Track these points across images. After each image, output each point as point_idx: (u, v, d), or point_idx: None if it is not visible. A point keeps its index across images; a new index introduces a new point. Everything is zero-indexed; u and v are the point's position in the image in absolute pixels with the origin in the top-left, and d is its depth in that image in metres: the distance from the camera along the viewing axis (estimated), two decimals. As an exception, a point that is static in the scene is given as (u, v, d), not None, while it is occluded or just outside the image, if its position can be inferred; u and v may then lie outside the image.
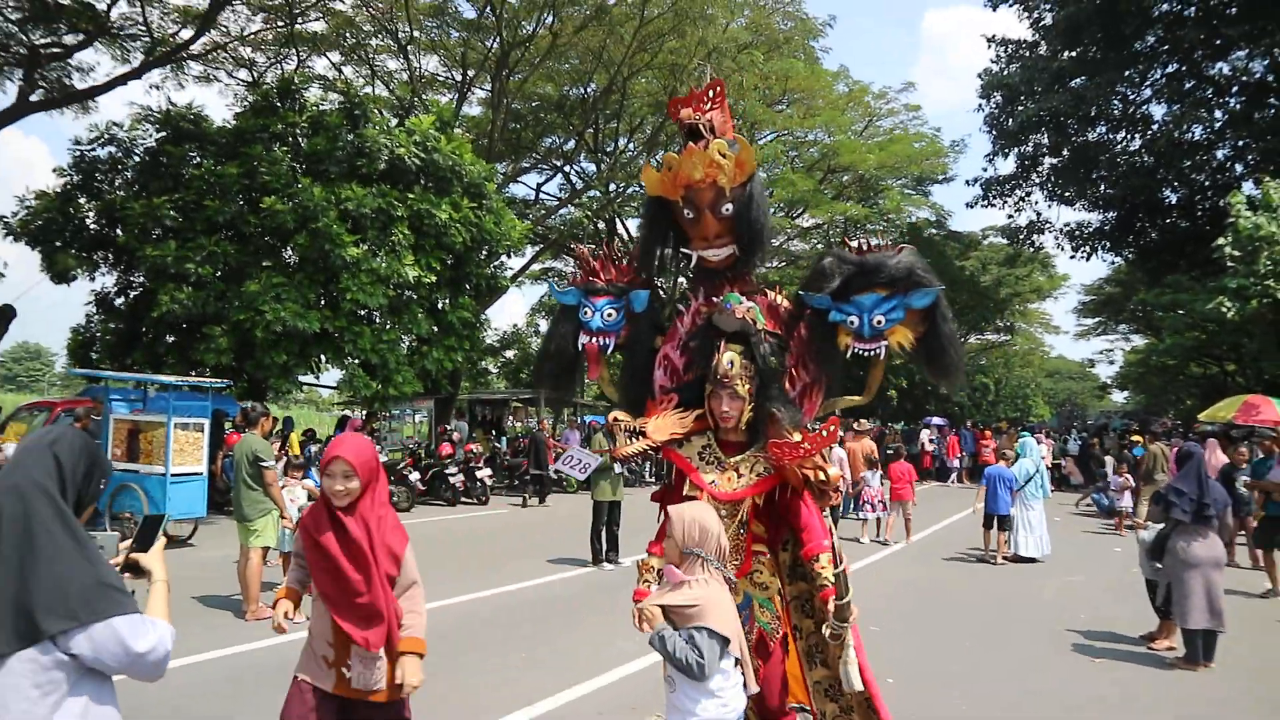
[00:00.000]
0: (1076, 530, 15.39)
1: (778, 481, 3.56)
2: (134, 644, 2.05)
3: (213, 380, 13.48)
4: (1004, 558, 11.57)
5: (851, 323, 3.59)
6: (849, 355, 3.67)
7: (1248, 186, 22.09)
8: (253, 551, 7.37)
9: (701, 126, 3.75)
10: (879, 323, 3.55)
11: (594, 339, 4.00)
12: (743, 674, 3.14)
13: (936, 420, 30.68)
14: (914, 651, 6.93)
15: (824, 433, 3.39)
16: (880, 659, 6.22)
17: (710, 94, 3.88)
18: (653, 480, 21.40)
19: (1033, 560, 11.55)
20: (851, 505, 15.04)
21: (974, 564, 11.40)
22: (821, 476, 3.39)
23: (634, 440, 3.60)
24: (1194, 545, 6.58)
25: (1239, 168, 30.28)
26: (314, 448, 16.73)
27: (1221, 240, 18.43)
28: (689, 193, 3.74)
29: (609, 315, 3.99)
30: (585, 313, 4.03)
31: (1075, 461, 25.64)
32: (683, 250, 3.97)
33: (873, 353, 3.59)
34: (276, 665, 6.23)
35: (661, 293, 4.28)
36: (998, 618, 8.34)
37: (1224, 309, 18.30)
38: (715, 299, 3.82)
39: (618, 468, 10.62)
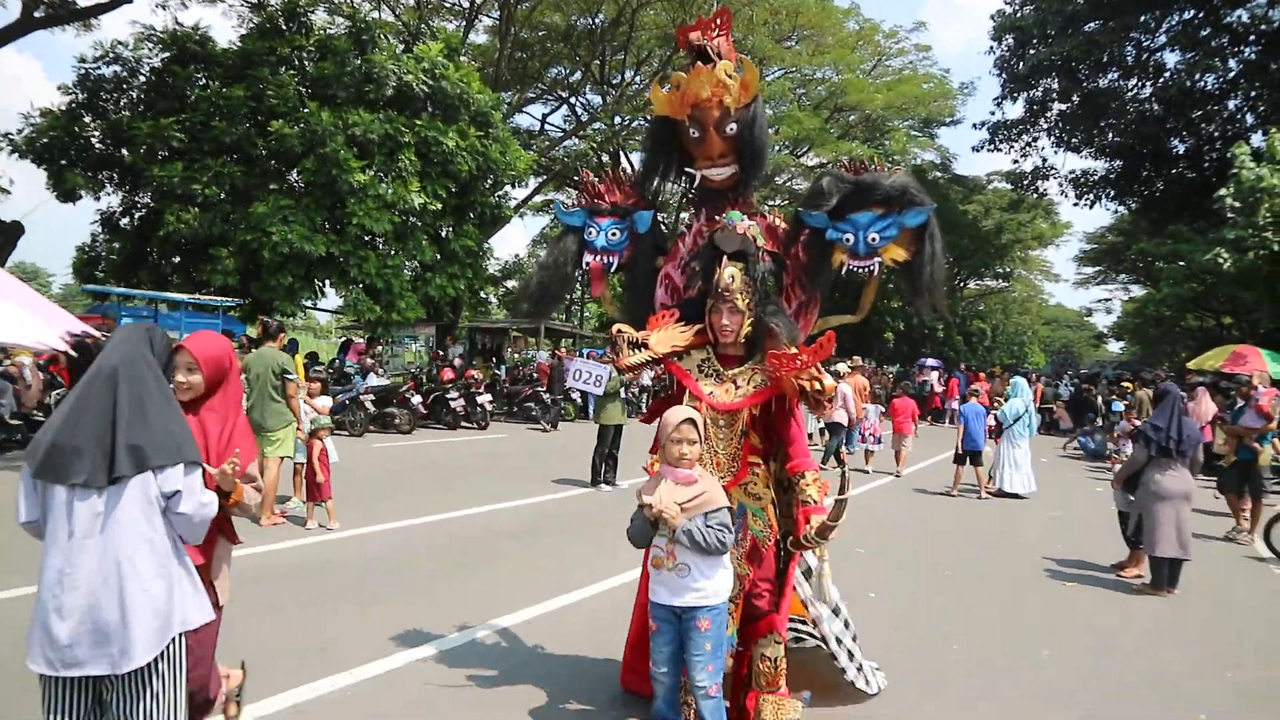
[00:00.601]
0: (1063, 471, 15.78)
1: (775, 393, 3.80)
2: (202, 494, 2.62)
3: (223, 299, 13.68)
4: (987, 492, 11.94)
5: (847, 240, 3.77)
6: (844, 272, 3.87)
7: (1257, 138, 22.05)
8: (270, 460, 7.67)
9: (709, 49, 3.92)
10: (873, 240, 3.73)
11: (598, 257, 4.22)
12: None
13: (931, 362, 30.94)
14: (895, 574, 7.30)
15: (820, 346, 3.62)
16: (863, 578, 6.63)
17: (717, 21, 4.06)
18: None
19: (1018, 496, 11.93)
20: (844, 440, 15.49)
21: (960, 499, 11.77)
22: (817, 386, 3.61)
23: (637, 351, 3.83)
24: (1165, 478, 6.90)
25: (1250, 118, 30.07)
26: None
27: (1224, 191, 18.51)
28: (695, 111, 3.92)
29: (613, 235, 4.21)
30: (590, 232, 4.24)
31: (1066, 406, 26.04)
32: (687, 170, 4.16)
33: (867, 269, 3.78)
34: (291, 566, 6.63)
35: (663, 226, 4.47)
36: (978, 548, 8.70)
37: (1221, 260, 18.46)
38: (717, 219, 4.01)
39: (623, 392, 10.93)
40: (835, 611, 4.17)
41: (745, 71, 3.89)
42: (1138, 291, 48.55)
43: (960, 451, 12.10)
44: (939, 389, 28.43)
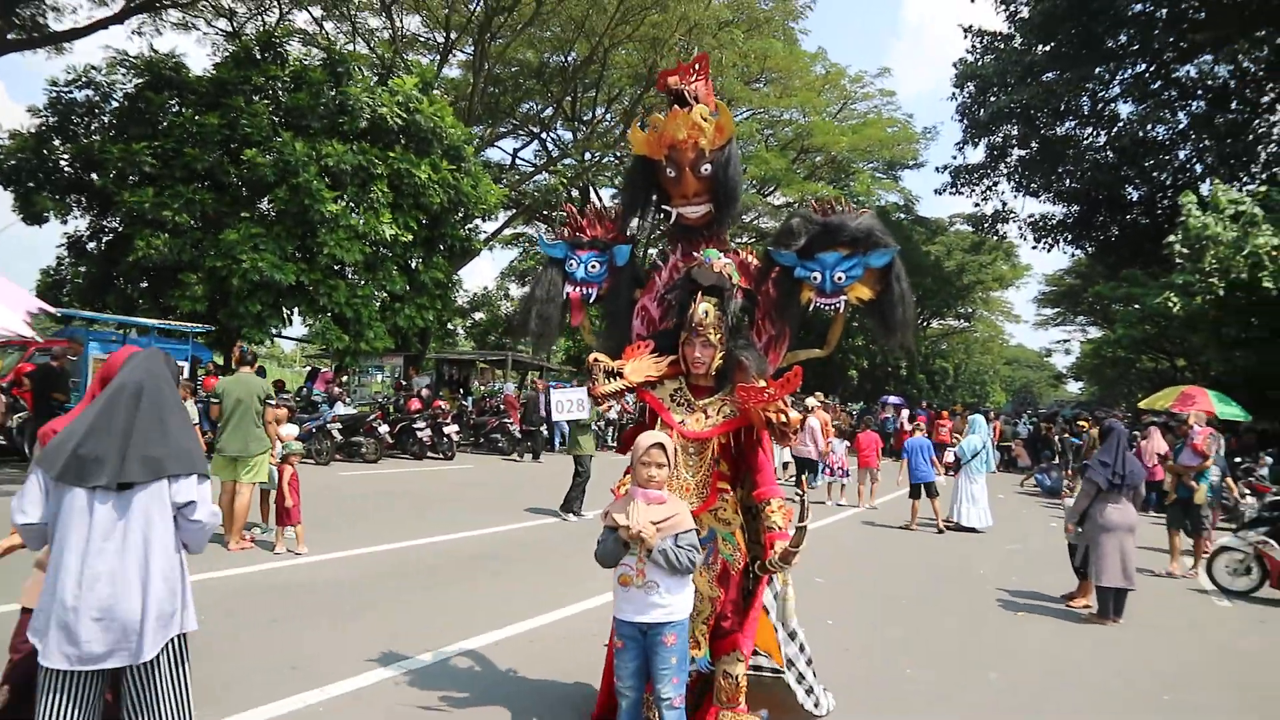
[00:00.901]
0: (1020, 507, 16.15)
1: (743, 423, 3.99)
2: (210, 505, 2.82)
3: (193, 325, 13.69)
4: (944, 522, 12.20)
5: (815, 279, 3.98)
6: (811, 309, 4.08)
7: (1205, 187, 22.89)
8: (245, 487, 7.73)
9: (686, 93, 4.17)
10: (839, 279, 3.94)
11: (578, 288, 4.42)
12: None
13: (893, 399, 31.46)
14: (853, 603, 7.51)
15: (786, 380, 3.84)
16: (821, 607, 6.83)
17: (695, 67, 4.31)
18: (614, 446, 21.90)
19: (974, 530, 12.23)
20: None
21: (919, 533, 12.03)
22: (783, 419, 3.81)
23: (612, 380, 4.02)
24: (1110, 511, 7.20)
25: (1199, 168, 31.22)
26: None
27: (1172, 238, 19.19)
28: (672, 152, 4.15)
29: (593, 267, 4.42)
30: (571, 264, 4.45)
31: (1024, 445, 26.61)
32: (663, 208, 4.38)
33: (833, 307, 3.99)
34: (261, 587, 6.70)
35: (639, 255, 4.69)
36: (935, 579, 8.94)
37: (1171, 304, 19.10)
38: (693, 254, 4.23)
39: (595, 424, 11.18)
40: (791, 635, 4.34)
41: (720, 116, 4.13)
42: (1095, 333, 49.73)
43: (911, 485, 12.41)
44: (908, 426, 28.89)
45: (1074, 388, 77.44)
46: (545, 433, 20.80)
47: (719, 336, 3.97)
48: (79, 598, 2.57)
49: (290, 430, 8.30)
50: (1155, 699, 5.38)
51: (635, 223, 4.56)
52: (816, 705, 4.41)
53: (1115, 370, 48.43)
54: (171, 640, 2.74)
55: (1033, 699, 5.25)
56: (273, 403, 7.78)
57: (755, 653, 4.24)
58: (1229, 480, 14.19)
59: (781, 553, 3.81)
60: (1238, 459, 16.90)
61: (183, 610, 2.79)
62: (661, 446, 3.66)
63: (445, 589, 7.04)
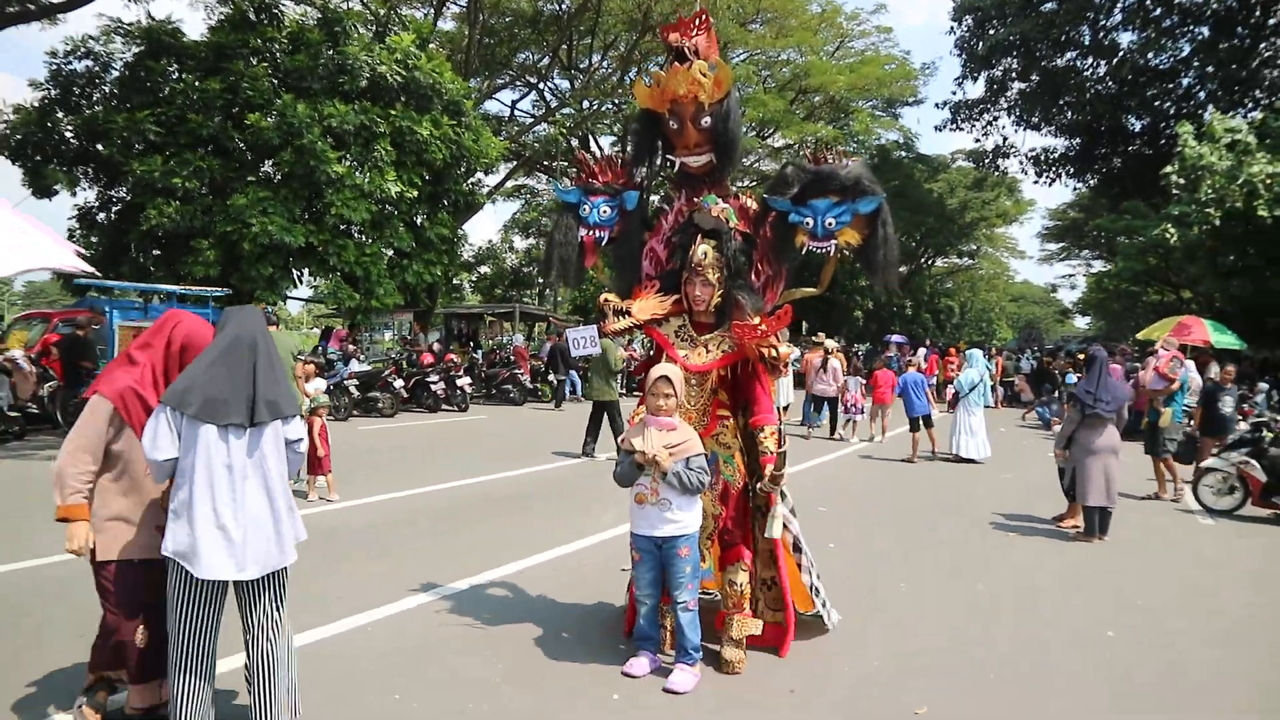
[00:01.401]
0: (1020, 439, 16.57)
1: (740, 357, 4.40)
2: (305, 436, 3.46)
3: (212, 289, 14.06)
4: (936, 452, 12.66)
5: (808, 223, 4.31)
6: (804, 252, 4.42)
7: (1209, 114, 22.86)
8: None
9: (686, 50, 4.46)
10: (830, 224, 4.27)
11: (591, 232, 4.77)
12: None
13: (897, 338, 31.82)
14: (853, 529, 7.97)
15: (778, 317, 4.23)
16: (824, 533, 7.28)
17: (696, 22, 4.61)
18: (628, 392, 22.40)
19: (973, 461, 12.67)
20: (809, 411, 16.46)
21: (919, 465, 12.48)
22: (773, 353, 4.21)
23: (621, 318, 4.42)
24: (1095, 435, 7.61)
25: (1202, 95, 31.03)
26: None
27: (1169, 168, 19.33)
28: (674, 106, 4.46)
29: (604, 212, 4.75)
30: (584, 209, 4.79)
31: (1027, 379, 26.98)
32: (668, 157, 4.71)
33: (824, 250, 4.33)
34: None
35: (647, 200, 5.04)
36: (931, 505, 9.37)
37: (1168, 235, 19.34)
38: (695, 200, 4.57)
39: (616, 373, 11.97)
40: (796, 548, 4.77)
41: (719, 70, 4.43)
42: (1100, 267, 49.70)
43: (909, 419, 12.95)
44: (923, 365, 29.25)
45: (1081, 323, 77.44)
46: (554, 382, 21.30)
47: (718, 276, 4.35)
48: (234, 517, 3.10)
49: (318, 384, 8.73)
50: (1130, 605, 5.83)
51: (643, 170, 4.85)
52: (828, 617, 4.87)
53: (1121, 304, 48.62)
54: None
55: (1015, 605, 5.71)
56: (303, 358, 8.18)
57: (797, 612, 4.71)
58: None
59: (770, 475, 4.23)
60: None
61: (297, 523, 3.37)
62: (668, 379, 4.08)
63: (472, 527, 7.52)
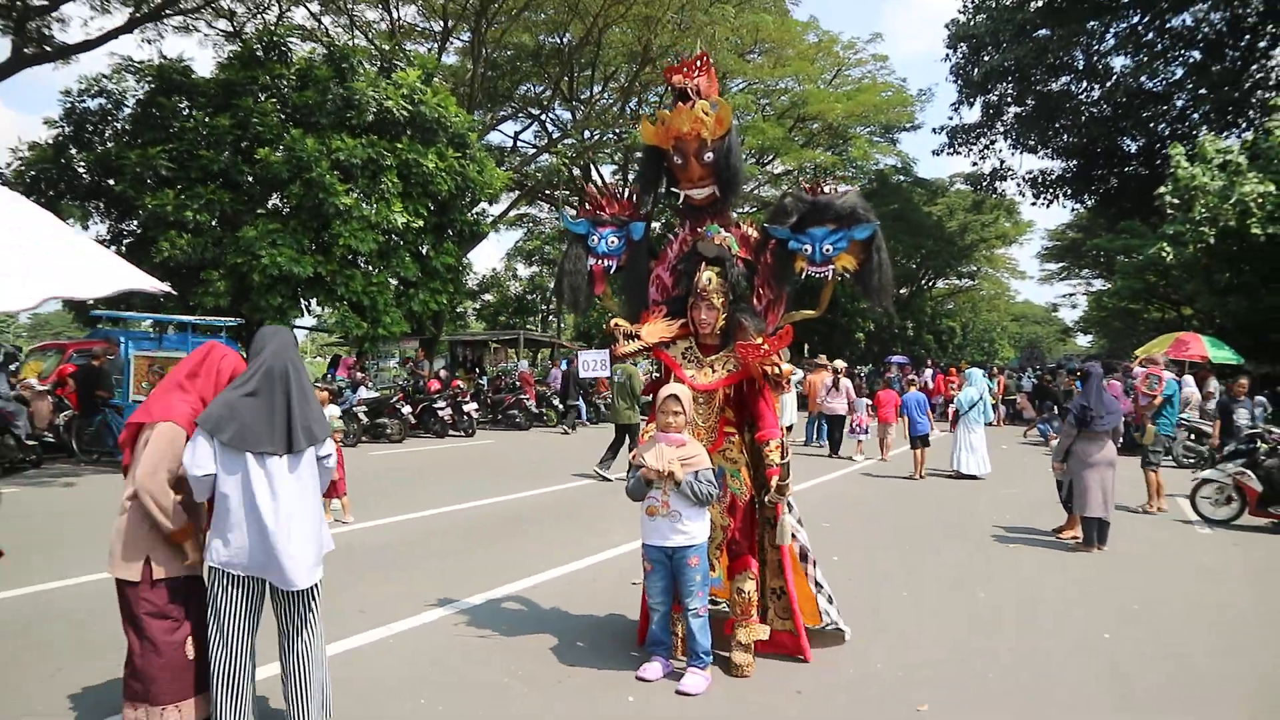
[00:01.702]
0: (1021, 456, 16.74)
1: (744, 376, 4.65)
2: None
3: (224, 319, 14.32)
4: (923, 474, 12.97)
5: (806, 250, 4.58)
6: (803, 276, 4.69)
7: (1204, 135, 23.17)
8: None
9: (689, 90, 4.75)
10: (828, 250, 4.55)
11: (600, 261, 5.04)
12: None
13: (898, 359, 32.05)
14: (856, 542, 8.15)
15: (779, 337, 4.47)
16: (828, 547, 7.47)
17: (698, 63, 4.89)
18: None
19: (974, 477, 12.85)
20: (815, 432, 16.80)
21: (923, 481, 12.65)
22: (776, 371, 4.46)
23: (631, 341, 4.67)
24: (1091, 448, 7.82)
25: (1195, 116, 31.42)
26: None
27: (1163, 189, 19.66)
28: (678, 142, 4.73)
29: (612, 242, 5.01)
30: (593, 240, 5.05)
31: (1029, 397, 27.14)
32: (672, 190, 4.99)
33: (823, 275, 4.60)
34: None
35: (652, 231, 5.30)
36: (934, 520, 9.53)
37: (1164, 253, 19.62)
38: (699, 230, 4.84)
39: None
40: (803, 556, 4.95)
41: (720, 109, 4.70)
42: (1100, 286, 49.95)
43: (911, 438, 13.29)
44: (930, 386, 29.41)
45: (1084, 341, 77.59)
46: (560, 407, 21.53)
47: (721, 301, 4.61)
48: (280, 534, 3.33)
49: (332, 411, 8.95)
50: (1126, 609, 6.01)
51: (648, 202, 5.12)
52: (841, 630, 5.05)
53: (1122, 322, 48.71)
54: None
55: (1017, 615, 5.89)
56: (319, 385, 8.40)
57: (806, 629, 4.89)
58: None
59: (776, 486, 4.47)
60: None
61: (326, 537, 3.64)
62: (677, 397, 4.31)
63: (486, 545, 7.71)
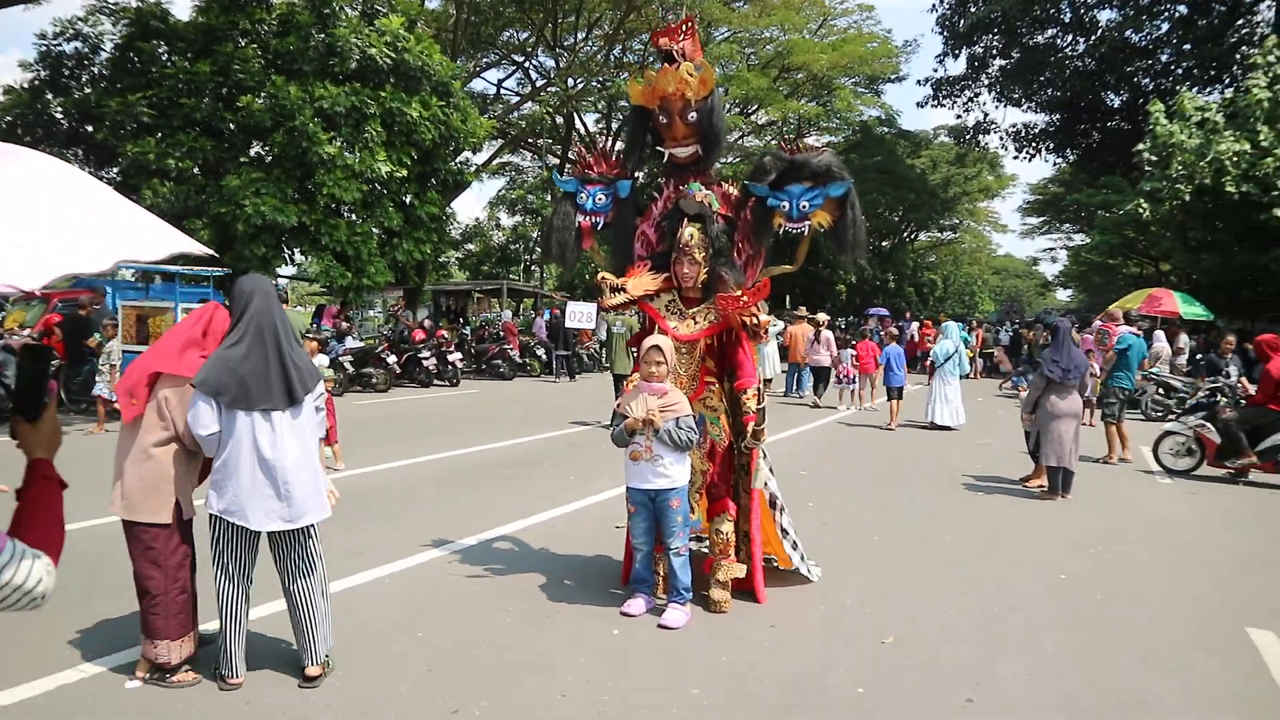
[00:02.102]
0: (996, 408, 17.13)
1: (724, 327, 4.90)
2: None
3: (211, 269, 14.36)
4: (896, 425, 13.41)
5: (784, 207, 4.83)
6: (781, 232, 4.94)
7: (1189, 92, 23.30)
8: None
9: (675, 52, 4.91)
10: (804, 207, 4.79)
11: (588, 218, 5.24)
12: None
13: (879, 311, 32.39)
14: (832, 490, 8.47)
15: (757, 289, 4.70)
16: (804, 494, 7.78)
17: (684, 28, 5.04)
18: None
19: (948, 428, 13.21)
20: (795, 383, 17.15)
21: (897, 432, 13.00)
22: (754, 321, 4.70)
23: (617, 294, 4.89)
24: (1058, 400, 8.12)
25: (1179, 71, 31.48)
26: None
27: (1141, 145, 19.86)
28: (663, 102, 4.92)
29: (600, 200, 5.22)
30: (581, 197, 5.25)
31: (1005, 351, 27.57)
32: (658, 148, 5.18)
33: (799, 230, 4.85)
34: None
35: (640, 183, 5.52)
36: (906, 468, 9.87)
37: (1141, 210, 19.89)
38: (681, 188, 5.05)
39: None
40: (773, 502, 5.24)
41: (703, 71, 4.88)
42: (1081, 240, 50.30)
43: (888, 389, 13.76)
44: (916, 339, 29.76)
45: (1064, 295, 78.24)
46: (544, 356, 21.79)
47: (703, 255, 4.83)
48: (281, 477, 3.58)
49: (320, 360, 9.12)
50: (1083, 551, 6.36)
51: (634, 160, 5.32)
52: (809, 572, 5.35)
53: (1102, 277, 49.30)
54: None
55: (978, 553, 6.23)
56: (309, 335, 8.57)
57: (766, 558, 5.23)
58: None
59: (752, 431, 4.74)
60: (1199, 356, 17.81)
61: (324, 478, 3.89)
62: (659, 348, 4.55)
63: (475, 490, 7.98)
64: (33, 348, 1.91)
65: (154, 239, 1.70)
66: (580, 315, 7.76)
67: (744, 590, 5.04)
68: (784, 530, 5.26)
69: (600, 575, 5.46)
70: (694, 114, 4.87)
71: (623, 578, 5.27)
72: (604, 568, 5.61)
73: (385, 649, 4.23)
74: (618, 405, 4.72)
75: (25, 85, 18.03)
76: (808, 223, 4.82)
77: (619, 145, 5.52)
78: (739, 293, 4.71)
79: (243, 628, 3.73)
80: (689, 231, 4.83)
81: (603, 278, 5.00)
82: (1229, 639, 4.67)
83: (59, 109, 18.04)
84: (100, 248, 1.54)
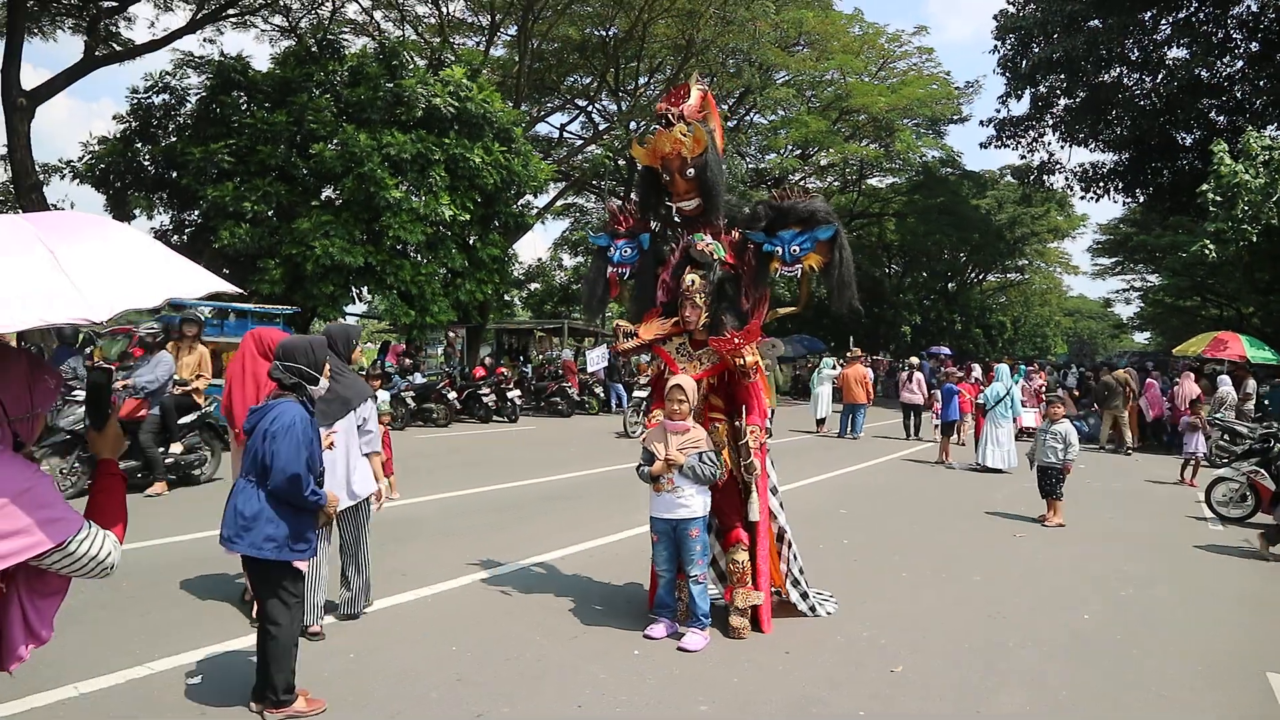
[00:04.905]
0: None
1: (724, 368, 5.20)
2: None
3: (280, 307, 15.11)
4: (947, 462, 13.71)
5: (778, 251, 5.11)
6: (776, 276, 5.27)
7: (1271, 129, 22.73)
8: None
9: (670, 115, 5.24)
10: (795, 251, 5.08)
11: (616, 269, 5.62)
12: None
13: (942, 350, 32.09)
14: (867, 527, 8.58)
15: (746, 332, 4.98)
16: (840, 531, 7.92)
17: (682, 92, 5.40)
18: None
19: (999, 471, 13.14)
20: (849, 424, 17.20)
21: (952, 470, 12.98)
22: (741, 363, 4.98)
23: (629, 339, 5.31)
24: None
25: (1258, 105, 30.70)
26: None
27: (1205, 186, 19.55)
28: (664, 161, 5.28)
29: (626, 252, 5.61)
30: (612, 251, 5.65)
31: (1071, 395, 27.08)
32: (667, 204, 5.55)
33: (793, 274, 5.15)
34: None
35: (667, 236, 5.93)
36: (949, 509, 9.89)
37: (1207, 251, 19.52)
38: (689, 237, 5.39)
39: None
40: (780, 537, 5.45)
41: (695, 130, 5.18)
42: (1157, 281, 49.03)
43: (943, 424, 14.10)
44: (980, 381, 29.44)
45: (1141, 338, 76.01)
46: (602, 395, 22.16)
47: (704, 300, 5.14)
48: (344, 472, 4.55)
49: (382, 395, 9.60)
50: (1113, 593, 6.39)
51: (650, 214, 5.71)
52: (811, 610, 5.51)
53: (1180, 319, 47.92)
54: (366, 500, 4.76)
55: (1004, 591, 6.31)
56: (364, 372, 9.05)
57: (775, 591, 5.46)
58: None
59: (745, 464, 5.02)
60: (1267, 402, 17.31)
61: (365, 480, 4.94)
62: (681, 387, 4.85)
63: (519, 520, 8.30)
64: (96, 369, 2.37)
65: (194, 280, 2.11)
66: (596, 359, 8.11)
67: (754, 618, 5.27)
68: (788, 568, 5.45)
69: (629, 600, 5.71)
70: (691, 170, 5.19)
71: (649, 603, 5.51)
72: (634, 594, 5.86)
73: (420, 659, 4.53)
74: (643, 440, 5.03)
75: (117, 135, 19.27)
76: (800, 266, 5.11)
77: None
78: (729, 335, 4.99)
79: (320, 582, 4.71)
80: (690, 278, 5.16)
81: (617, 325, 5.38)
82: (1245, 681, 4.71)
83: (147, 156, 19.21)
84: (150, 285, 1.95)
